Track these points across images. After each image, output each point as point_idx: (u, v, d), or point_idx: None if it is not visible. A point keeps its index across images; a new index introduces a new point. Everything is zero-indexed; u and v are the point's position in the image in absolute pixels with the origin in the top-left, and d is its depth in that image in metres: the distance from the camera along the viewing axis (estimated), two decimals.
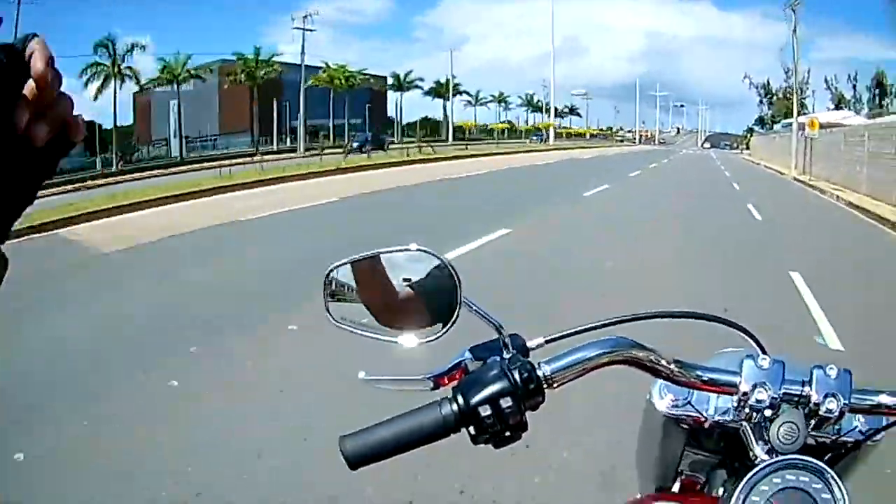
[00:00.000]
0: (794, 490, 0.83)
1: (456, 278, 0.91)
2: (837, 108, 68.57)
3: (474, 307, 0.91)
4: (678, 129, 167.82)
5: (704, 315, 1.02)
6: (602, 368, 0.90)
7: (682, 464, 1.21)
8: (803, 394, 0.89)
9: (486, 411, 0.80)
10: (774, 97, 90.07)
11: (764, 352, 0.96)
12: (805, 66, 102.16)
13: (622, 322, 0.98)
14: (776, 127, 77.63)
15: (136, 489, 3.24)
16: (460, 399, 0.81)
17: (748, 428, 0.92)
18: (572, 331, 0.95)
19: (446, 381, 0.89)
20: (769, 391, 0.88)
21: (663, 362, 0.92)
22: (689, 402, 1.14)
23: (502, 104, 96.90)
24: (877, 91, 68.40)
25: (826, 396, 0.88)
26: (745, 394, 0.90)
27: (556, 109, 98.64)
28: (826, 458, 0.94)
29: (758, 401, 0.89)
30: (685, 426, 1.16)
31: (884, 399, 0.92)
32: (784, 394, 0.89)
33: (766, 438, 0.88)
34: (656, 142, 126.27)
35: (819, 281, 7.76)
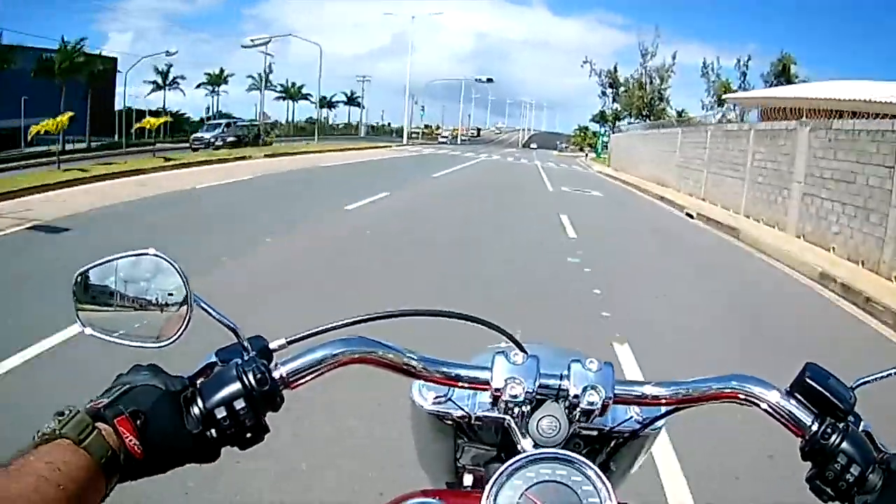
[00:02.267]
0: (551, 483, 0.84)
1: (185, 283, 0.89)
2: (720, 102, 56.84)
3: (209, 310, 0.88)
4: (498, 127, 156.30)
5: (457, 314, 1.02)
6: (342, 367, 0.91)
7: (464, 458, 1.19)
8: (561, 387, 0.92)
9: (221, 413, 0.80)
10: (622, 88, 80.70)
11: (521, 348, 0.97)
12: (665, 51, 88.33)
13: (368, 320, 0.97)
14: (623, 125, 70.29)
15: None
16: (199, 402, 0.81)
17: (511, 422, 0.93)
18: (315, 330, 0.95)
19: (197, 383, 0.85)
20: (523, 386, 0.90)
21: (406, 360, 0.93)
22: (450, 399, 1.13)
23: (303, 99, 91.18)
24: (779, 80, 55.55)
25: (585, 389, 0.90)
26: (497, 389, 0.91)
27: (324, 100, 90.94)
28: (605, 448, 1.02)
29: (512, 396, 0.90)
30: (450, 422, 1.15)
31: (648, 390, 0.95)
32: (540, 387, 0.91)
33: (529, 432, 0.91)
34: (458, 140, 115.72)
35: None
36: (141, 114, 50.74)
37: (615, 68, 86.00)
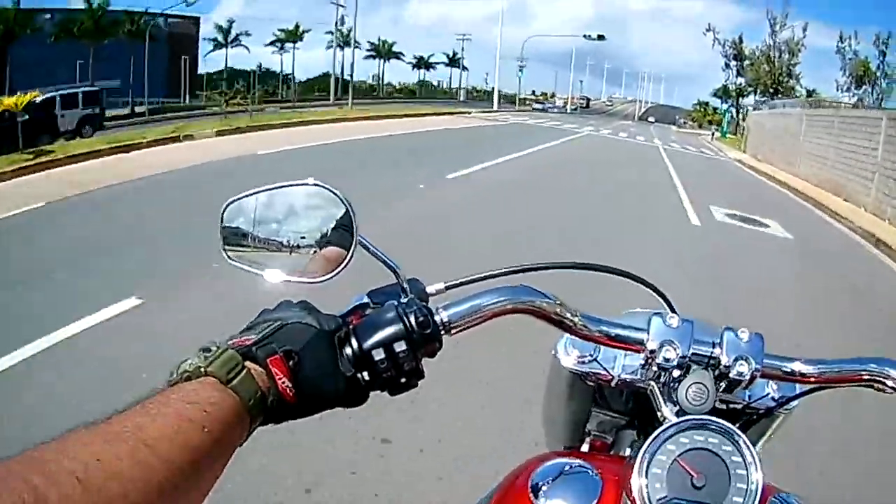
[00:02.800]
0: (702, 451, 0.83)
1: (353, 217, 0.88)
2: (859, 84, 55.75)
3: (372, 248, 0.88)
4: (611, 99, 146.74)
5: (616, 269, 1.02)
6: (503, 316, 0.89)
7: (590, 423, 1.20)
8: (713, 355, 0.90)
9: (379, 355, 0.78)
10: (747, 61, 76.55)
11: (674, 311, 0.96)
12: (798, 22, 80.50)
13: (527, 270, 0.98)
14: (747, 101, 67.65)
15: None
16: (354, 342, 0.79)
17: (656, 388, 0.92)
18: (474, 277, 0.95)
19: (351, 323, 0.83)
20: (677, 350, 0.89)
21: (567, 314, 0.92)
22: (596, 360, 1.14)
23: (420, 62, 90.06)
24: None
25: (737, 359, 0.88)
26: (652, 352, 0.90)
27: (421, 60, 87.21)
28: (737, 423, 0.92)
29: (665, 359, 0.89)
30: (591, 384, 1.16)
31: (797, 367, 0.93)
32: (693, 354, 0.90)
33: (675, 399, 0.89)
34: (567, 109, 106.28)
35: None
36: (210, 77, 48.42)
37: (740, 38, 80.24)
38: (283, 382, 0.71)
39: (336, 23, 64.20)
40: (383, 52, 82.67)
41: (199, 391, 0.65)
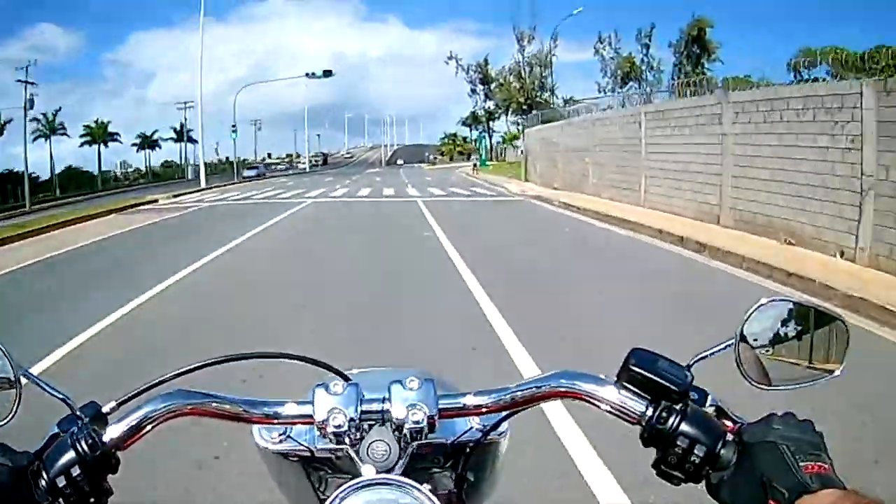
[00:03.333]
0: None
1: (9, 360, 0.91)
2: (624, 83, 56.33)
3: (39, 383, 0.89)
4: (350, 151, 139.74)
5: (274, 354, 1.03)
6: (171, 420, 0.91)
7: (329, 489, 1.16)
8: (384, 410, 0.91)
9: (61, 482, 0.82)
10: (495, 83, 74.70)
11: (343, 377, 0.97)
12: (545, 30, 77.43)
13: (191, 370, 0.97)
14: (497, 125, 72.87)
15: None
16: (44, 475, 0.83)
17: (350, 451, 0.93)
18: (143, 387, 0.95)
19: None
20: (345, 415, 0.89)
21: (228, 406, 0.93)
22: (289, 436, 1.13)
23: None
24: (690, 51, 52.03)
25: (409, 409, 0.89)
26: (322, 422, 0.90)
27: (145, 139, 78.89)
28: (451, 460, 1.05)
29: (336, 426, 0.89)
30: (296, 458, 1.14)
31: (469, 400, 0.95)
32: (363, 413, 0.91)
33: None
34: (301, 168, 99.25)
35: None
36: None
37: (486, 61, 78.46)
38: None
39: (25, 105, 48.86)
40: (98, 135, 70.06)
41: None
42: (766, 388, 0.92)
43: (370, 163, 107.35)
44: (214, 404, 0.92)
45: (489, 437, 1.08)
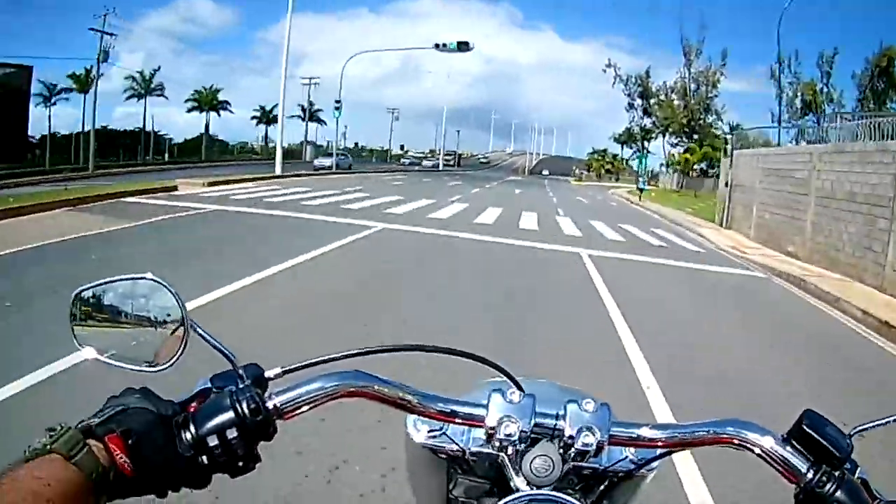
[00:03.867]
0: None
1: (182, 309, 0.90)
2: (804, 112, 48.81)
3: (206, 337, 0.89)
4: (485, 156, 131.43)
5: (455, 350, 1.01)
6: (338, 400, 0.90)
7: (457, 489, 1.19)
8: (557, 427, 0.91)
9: (213, 441, 0.80)
10: (654, 98, 69.31)
11: (518, 386, 0.96)
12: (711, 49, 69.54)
13: (367, 353, 0.96)
14: (655, 146, 68.34)
15: None
16: (192, 428, 0.80)
17: (506, 459, 0.94)
18: (313, 361, 0.95)
19: (190, 408, 0.85)
20: (518, 425, 0.89)
21: (401, 395, 0.93)
22: (445, 433, 1.13)
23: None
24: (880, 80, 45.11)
25: (581, 430, 0.89)
26: (492, 427, 0.90)
27: (264, 113, 72.94)
28: (599, 487, 1.03)
29: (506, 435, 0.89)
30: (444, 456, 1.15)
31: (644, 432, 0.93)
32: (535, 427, 0.91)
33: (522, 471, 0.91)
34: (424, 163, 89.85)
35: None
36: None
37: (647, 73, 72.37)
38: (122, 459, 0.73)
39: (98, 57, 44.07)
40: (206, 102, 65.56)
41: (45, 467, 0.67)
42: None
43: (512, 169, 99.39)
44: (387, 390, 0.91)
45: (640, 472, 1.07)
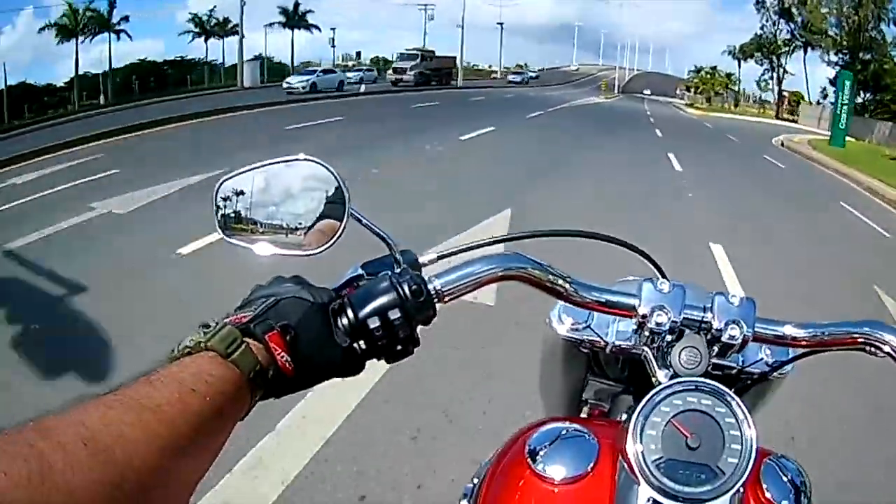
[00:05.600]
0: (696, 413, 0.83)
1: (344, 190, 0.89)
2: None
3: (364, 220, 0.89)
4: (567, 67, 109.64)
5: (604, 236, 1.03)
6: (495, 283, 0.90)
7: (587, 392, 1.22)
8: (704, 319, 0.91)
9: (374, 323, 0.79)
10: None
11: (665, 277, 0.97)
12: None
13: (516, 238, 1.00)
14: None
15: None
16: (350, 313, 0.79)
17: (650, 353, 0.93)
18: (465, 246, 0.97)
19: (346, 295, 0.84)
20: (669, 315, 0.90)
21: (558, 280, 0.93)
22: (589, 326, 1.15)
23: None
24: None
25: (728, 323, 0.89)
26: (643, 317, 0.90)
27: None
28: (732, 387, 0.94)
29: (657, 324, 0.90)
30: (586, 350, 1.17)
31: (788, 330, 0.92)
32: (685, 318, 0.91)
33: (669, 363, 0.90)
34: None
35: None
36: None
37: None
38: (282, 357, 0.72)
39: None
40: (293, 19, 52.61)
41: (201, 364, 0.66)
42: None
43: (597, 86, 79.00)
44: (542, 274, 0.91)
45: (775, 374, 1.08)
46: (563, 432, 0.94)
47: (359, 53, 67.27)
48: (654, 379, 0.90)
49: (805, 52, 52.28)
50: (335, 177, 0.88)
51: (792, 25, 51.59)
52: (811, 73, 54.95)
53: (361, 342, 0.79)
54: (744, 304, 0.89)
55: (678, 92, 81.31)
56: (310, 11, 54.66)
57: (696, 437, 0.80)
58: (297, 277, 0.82)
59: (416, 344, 0.82)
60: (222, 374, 0.66)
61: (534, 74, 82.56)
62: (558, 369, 1.24)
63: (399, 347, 0.81)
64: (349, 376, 0.81)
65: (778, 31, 53.87)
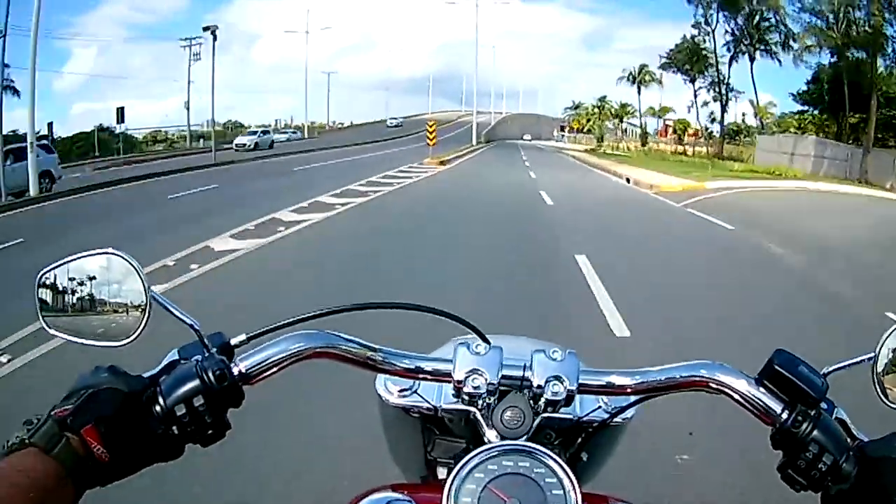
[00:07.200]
0: (514, 476, 0.82)
1: (142, 280, 0.89)
2: None
3: (169, 307, 0.89)
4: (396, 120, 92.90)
5: (419, 306, 1.01)
6: (303, 361, 0.90)
7: (436, 450, 1.17)
8: (525, 377, 0.90)
9: (181, 411, 0.80)
10: None
11: (484, 339, 0.95)
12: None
13: (331, 314, 0.96)
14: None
15: None
16: (161, 400, 0.81)
17: (478, 414, 0.93)
18: (277, 325, 0.94)
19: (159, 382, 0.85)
20: (485, 377, 0.89)
21: (367, 353, 0.93)
22: (416, 392, 1.12)
23: None
24: None
25: (549, 380, 0.88)
26: (459, 381, 0.90)
27: None
28: (578, 438, 1.01)
29: (474, 387, 0.89)
30: (417, 415, 1.14)
31: (614, 379, 0.93)
32: (503, 379, 0.90)
33: (493, 424, 0.90)
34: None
35: None
36: None
37: None
38: (98, 449, 0.74)
39: None
40: None
41: (24, 460, 0.70)
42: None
43: (455, 134, 63.02)
44: (353, 349, 0.91)
45: (615, 420, 1.07)
46: (387, 503, 0.92)
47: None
48: (485, 439, 0.89)
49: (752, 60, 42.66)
50: (135, 269, 0.87)
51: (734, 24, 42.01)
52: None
53: (174, 427, 0.79)
54: (566, 359, 0.89)
55: (555, 134, 73.90)
56: None
57: (514, 501, 0.79)
58: (113, 367, 0.82)
59: (226, 427, 0.82)
60: (44, 469, 0.69)
61: (398, 122, 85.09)
62: (398, 435, 1.22)
63: (210, 431, 0.81)
64: (169, 460, 0.81)
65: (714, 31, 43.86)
